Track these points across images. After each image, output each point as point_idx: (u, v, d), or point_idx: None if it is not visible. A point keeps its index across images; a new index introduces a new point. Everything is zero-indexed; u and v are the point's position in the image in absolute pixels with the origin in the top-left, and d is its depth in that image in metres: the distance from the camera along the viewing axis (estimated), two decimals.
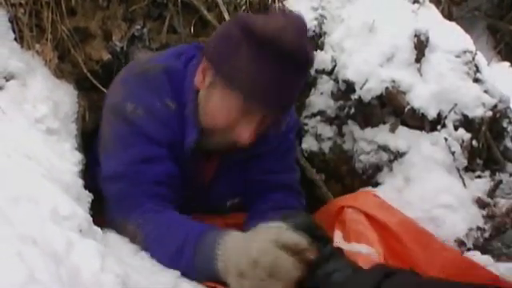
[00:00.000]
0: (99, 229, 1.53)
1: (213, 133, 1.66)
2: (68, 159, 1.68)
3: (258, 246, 1.33)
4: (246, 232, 1.43)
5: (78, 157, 1.70)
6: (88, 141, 1.87)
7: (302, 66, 1.62)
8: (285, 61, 1.56)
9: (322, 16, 2.11)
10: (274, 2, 2.12)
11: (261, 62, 1.56)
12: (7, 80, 1.71)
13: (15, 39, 1.82)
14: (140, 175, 1.64)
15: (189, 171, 1.73)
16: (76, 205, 1.45)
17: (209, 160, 1.79)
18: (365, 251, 1.55)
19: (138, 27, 2.04)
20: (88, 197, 1.62)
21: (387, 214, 1.64)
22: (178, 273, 1.49)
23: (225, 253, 1.40)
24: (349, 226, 1.60)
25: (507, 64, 3.12)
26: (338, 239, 1.60)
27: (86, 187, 1.65)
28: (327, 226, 1.61)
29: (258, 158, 1.79)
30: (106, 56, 1.98)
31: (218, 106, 1.63)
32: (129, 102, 1.67)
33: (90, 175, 1.73)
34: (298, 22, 1.61)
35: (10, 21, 1.82)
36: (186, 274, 1.47)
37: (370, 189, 1.82)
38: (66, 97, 1.85)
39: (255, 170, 1.81)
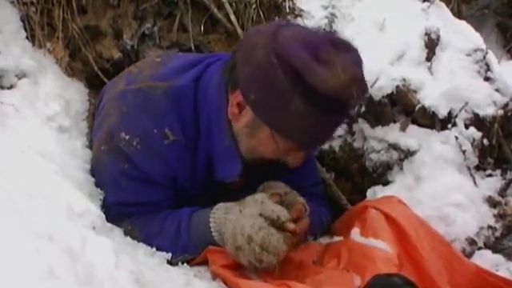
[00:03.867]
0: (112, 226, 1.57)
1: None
2: (80, 157, 1.71)
3: (249, 222, 1.51)
4: (233, 203, 1.59)
5: (89, 154, 1.73)
6: None
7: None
8: (343, 113, 1.56)
9: (332, 15, 2.11)
10: (285, 0, 2.13)
11: (318, 116, 1.51)
12: (19, 78, 1.73)
13: (27, 38, 1.84)
14: (127, 214, 1.64)
15: (209, 190, 1.69)
16: (89, 202, 1.49)
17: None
18: (380, 247, 1.56)
19: (149, 25, 2.05)
20: (99, 194, 1.65)
21: (408, 219, 1.64)
22: (187, 268, 1.59)
23: (218, 224, 1.58)
24: (369, 223, 1.62)
25: None
26: (355, 234, 1.62)
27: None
28: (349, 225, 1.67)
29: (290, 173, 1.70)
30: (117, 54, 2.00)
31: (265, 143, 1.58)
32: (124, 132, 1.60)
33: None
34: (358, 75, 1.52)
35: (22, 19, 1.84)
36: (187, 251, 1.62)
37: (394, 195, 1.81)
38: (76, 95, 1.88)
39: (288, 180, 1.72)
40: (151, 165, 1.60)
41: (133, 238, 1.61)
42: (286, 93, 1.50)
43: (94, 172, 1.68)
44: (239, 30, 2.05)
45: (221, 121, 1.60)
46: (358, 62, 1.54)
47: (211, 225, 1.58)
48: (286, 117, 1.52)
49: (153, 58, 1.82)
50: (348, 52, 1.53)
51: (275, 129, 1.55)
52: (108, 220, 1.56)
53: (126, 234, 1.61)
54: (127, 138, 1.59)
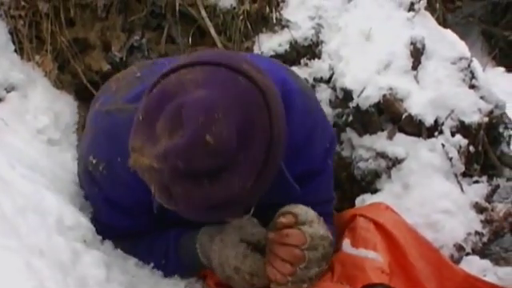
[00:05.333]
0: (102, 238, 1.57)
1: None
2: (70, 169, 1.71)
3: (232, 253, 1.46)
4: (215, 229, 1.51)
5: None
6: None
7: (198, 215, 1.31)
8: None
9: (319, 25, 2.12)
10: (272, 11, 2.13)
11: None
12: (8, 91, 1.75)
13: (15, 51, 1.85)
14: (109, 235, 1.58)
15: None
16: (80, 215, 1.50)
17: None
18: (371, 256, 1.55)
19: (137, 38, 2.06)
20: (90, 207, 1.64)
21: (396, 225, 1.64)
22: (179, 279, 1.59)
23: (205, 251, 1.52)
24: (358, 233, 1.61)
25: (502, 69, 3.15)
26: (346, 246, 1.62)
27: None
28: (338, 234, 1.64)
29: (296, 196, 1.52)
30: (106, 67, 2.01)
31: None
32: (91, 155, 1.52)
33: None
34: (168, 166, 1.20)
35: (10, 32, 1.85)
36: (178, 273, 1.60)
37: (383, 201, 1.78)
38: (66, 107, 1.89)
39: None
40: (118, 193, 1.52)
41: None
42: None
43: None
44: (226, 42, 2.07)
45: None
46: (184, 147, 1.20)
47: (198, 251, 1.53)
48: None
49: (136, 70, 1.68)
50: (182, 132, 1.21)
51: None
52: (98, 233, 1.55)
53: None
54: (94, 162, 1.52)
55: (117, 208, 1.54)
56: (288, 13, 2.14)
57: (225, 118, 1.19)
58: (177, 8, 2.07)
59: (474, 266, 1.70)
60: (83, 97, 1.97)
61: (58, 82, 1.91)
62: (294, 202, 1.49)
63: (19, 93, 1.76)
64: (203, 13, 2.09)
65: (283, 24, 2.13)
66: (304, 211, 1.45)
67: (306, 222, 1.44)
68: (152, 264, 1.58)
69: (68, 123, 1.85)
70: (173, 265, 1.58)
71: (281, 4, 2.16)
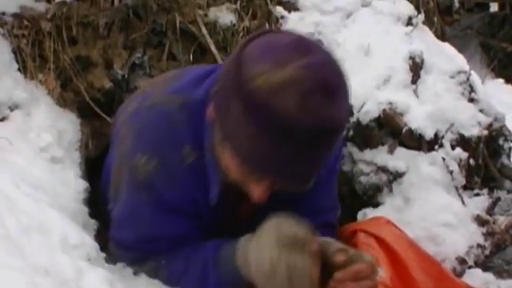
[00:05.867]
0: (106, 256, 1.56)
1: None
2: (73, 187, 1.71)
3: (267, 256, 1.35)
4: (252, 234, 1.42)
5: (82, 185, 1.73)
6: (92, 167, 1.89)
7: (313, 140, 1.27)
8: (282, 136, 1.25)
9: (318, 41, 2.07)
10: (271, 26, 2.15)
11: (250, 128, 1.27)
12: (12, 110, 1.75)
13: (19, 69, 1.85)
14: (151, 251, 1.51)
15: (220, 216, 1.51)
16: (84, 233, 1.49)
17: (244, 200, 1.46)
18: None
19: (139, 55, 2.06)
20: (94, 224, 1.65)
21: (397, 239, 1.64)
22: None
23: (244, 263, 1.42)
24: (360, 248, 1.60)
25: (501, 81, 3.16)
26: None
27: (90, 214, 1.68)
28: None
29: (304, 194, 1.46)
30: (108, 84, 2.00)
31: (229, 163, 1.36)
32: (140, 152, 1.44)
33: (93, 200, 1.74)
34: (309, 76, 1.23)
35: (14, 51, 1.85)
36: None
37: (383, 216, 1.78)
38: (69, 125, 1.88)
39: (302, 208, 1.48)
40: (173, 192, 1.46)
41: (156, 277, 1.51)
42: (228, 93, 1.30)
43: (110, 193, 1.57)
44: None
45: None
46: (320, 63, 1.27)
47: (237, 263, 1.43)
48: (228, 122, 1.31)
49: (166, 73, 1.74)
50: (312, 54, 1.28)
51: (223, 136, 1.34)
52: (128, 264, 1.51)
53: (150, 275, 1.51)
54: (144, 159, 1.43)
55: (170, 210, 1.47)
56: (287, 29, 2.14)
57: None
58: (177, 25, 2.08)
59: (477, 279, 1.71)
60: (85, 114, 1.97)
61: (61, 99, 1.90)
62: (305, 204, 1.48)
63: (23, 111, 1.75)
64: (204, 30, 2.11)
65: None
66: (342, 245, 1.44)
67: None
68: (186, 285, 1.48)
69: (71, 141, 1.84)
70: (212, 279, 1.48)
71: (280, 20, 2.18)
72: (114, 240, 1.54)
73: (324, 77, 1.25)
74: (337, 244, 1.43)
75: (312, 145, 1.28)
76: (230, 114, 1.29)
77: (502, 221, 1.83)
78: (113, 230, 1.55)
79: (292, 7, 2.21)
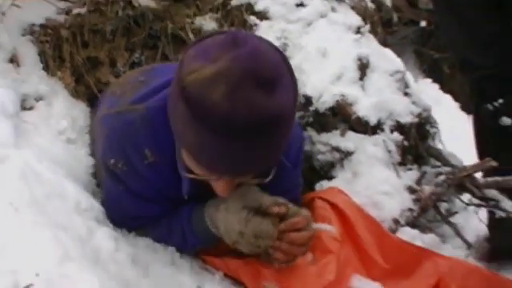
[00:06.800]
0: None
1: None
2: (84, 163, 1.73)
3: (236, 218, 1.35)
4: (220, 200, 1.39)
5: (91, 161, 1.74)
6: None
7: (251, 131, 1.11)
8: (219, 129, 1.12)
9: (285, 44, 2.12)
10: None
11: (193, 126, 1.15)
12: (37, 101, 1.76)
13: (43, 68, 1.86)
14: (136, 225, 1.51)
15: (195, 198, 1.45)
16: (93, 200, 1.52)
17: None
18: (325, 227, 1.58)
19: (137, 55, 2.07)
20: (100, 193, 1.65)
21: (347, 205, 1.67)
22: (173, 249, 1.53)
23: (213, 222, 1.43)
24: (317, 212, 1.62)
25: (429, 80, 3.23)
26: None
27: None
28: None
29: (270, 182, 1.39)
30: (112, 79, 2.01)
31: (188, 162, 1.29)
32: (109, 157, 1.41)
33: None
34: (238, 67, 1.09)
35: (39, 54, 1.87)
36: (197, 247, 1.51)
37: (336, 186, 1.80)
38: (81, 113, 1.89)
39: (270, 188, 1.42)
40: (139, 184, 1.42)
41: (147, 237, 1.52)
42: (173, 89, 1.20)
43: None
44: None
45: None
46: (251, 54, 1.10)
47: (207, 224, 1.43)
48: (175, 119, 1.21)
49: (138, 75, 1.58)
50: (243, 46, 1.13)
51: (184, 147, 1.25)
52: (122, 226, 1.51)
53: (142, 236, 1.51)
54: (113, 161, 1.41)
55: (142, 198, 1.44)
56: (259, 35, 2.09)
57: (268, 43, 1.19)
58: (169, 31, 2.10)
59: (407, 234, 1.74)
60: (94, 104, 1.98)
61: (75, 92, 1.92)
62: (272, 188, 1.41)
63: (45, 102, 1.77)
64: (190, 35, 2.11)
65: None
66: (285, 201, 1.41)
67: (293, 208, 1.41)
68: (174, 245, 1.50)
69: (82, 126, 1.85)
70: (192, 242, 1.49)
71: (253, 28, 2.18)
72: (106, 215, 1.52)
73: (254, 67, 1.10)
74: (292, 207, 1.43)
75: (251, 136, 1.13)
76: (178, 115, 1.20)
77: (426, 189, 1.83)
78: (104, 208, 1.52)
79: (263, 17, 2.21)
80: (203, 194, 1.43)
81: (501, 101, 1.79)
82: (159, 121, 1.33)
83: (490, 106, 1.80)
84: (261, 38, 1.25)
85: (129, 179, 1.43)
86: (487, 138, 1.88)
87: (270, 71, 1.13)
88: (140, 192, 1.44)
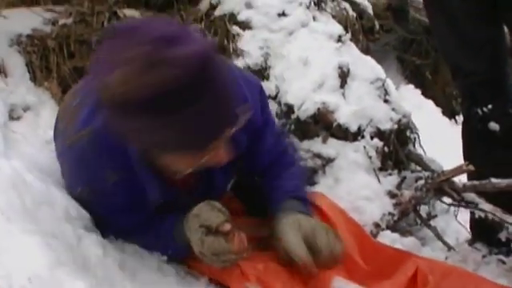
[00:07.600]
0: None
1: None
2: None
3: (194, 238, 1.38)
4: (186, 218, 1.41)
5: None
6: None
7: (187, 92, 1.10)
8: (161, 111, 1.12)
9: (267, 53, 2.15)
10: (229, 43, 2.17)
11: (142, 128, 1.19)
12: (25, 111, 1.79)
13: (30, 79, 1.89)
14: (121, 234, 1.51)
15: (172, 199, 1.46)
16: (81, 208, 1.51)
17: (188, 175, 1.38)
18: None
19: None
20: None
21: (330, 208, 1.67)
22: (159, 255, 1.54)
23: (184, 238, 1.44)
24: None
25: (412, 86, 3.26)
26: None
27: None
28: None
29: (249, 148, 1.43)
30: None
31: (169, 163, 1.31)
32: (74, 188, 1.44)
33: None
34: (134, 53, 1.08)
35: (26, 65, 1.90)
36: (181, 255, 1.52)
37: (320, 191, 1.80)
38: None
39: (256, 155, 1.48)
40: (111, 201, 1.43)
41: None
42: (114, 123, 1.24)
43: None
44: None
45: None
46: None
47: (188, 236, 1.43)
48: (141, 138, 1.23)
49: (71, 100, 1.53)
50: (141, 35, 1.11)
51: (155, 150, 1.27)
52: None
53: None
54: (79, 189, 1.44)
55: (118, 212, 1.46)
56: (242, 44, 2.19)
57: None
58: None
59: (387, 238, 1.77)
60: None
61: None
62: (256, 151, 1.44)
63: (33, 112, 1.79)
64: None
65: (238, 53, 2.17)
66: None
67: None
68: (161, 252, 1.51)
69: None
70: (175, 251, 1.51)
71: (236, 37, 2.20)
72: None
73: (148, 41, 1.08)
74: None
75: (190, 97, 1.12)
76: (128, 130, 1.23)
77: (406, 194, 1.87)
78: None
79: (246, 26, 2.23)
80: (176, 195, 1.45)
81: (490, 106, 1.80)
82: (108, 139, 1.32)
83: (479, 111, 1.80)
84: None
85: (99, 199, 1.44)
86: (475, 141, 1.87)
87: (169, 30, 1.12)
88: (113, 208, 1.45)
